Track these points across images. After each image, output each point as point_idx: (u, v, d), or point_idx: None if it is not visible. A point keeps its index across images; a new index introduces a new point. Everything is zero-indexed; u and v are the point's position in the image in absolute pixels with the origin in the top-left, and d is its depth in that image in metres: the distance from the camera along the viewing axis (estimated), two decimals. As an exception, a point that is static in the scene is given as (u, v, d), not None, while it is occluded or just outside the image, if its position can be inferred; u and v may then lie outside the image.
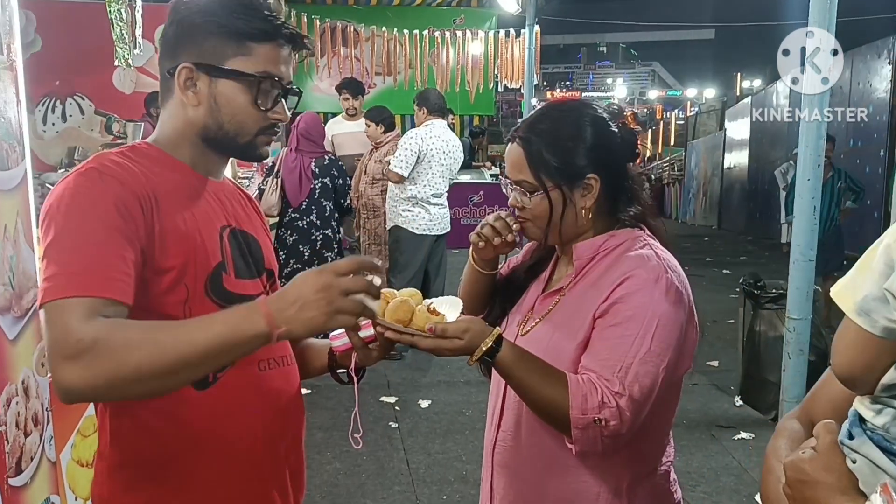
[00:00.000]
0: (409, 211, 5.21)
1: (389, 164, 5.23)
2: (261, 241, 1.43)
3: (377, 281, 1.18)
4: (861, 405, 0.97)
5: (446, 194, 5.42)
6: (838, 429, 0.97)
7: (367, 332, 1.36)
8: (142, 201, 1.21)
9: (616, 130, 1.44)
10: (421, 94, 5.49)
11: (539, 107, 1.52)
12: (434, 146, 5.19)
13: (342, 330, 1.40)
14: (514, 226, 1.47)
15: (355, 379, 1.46)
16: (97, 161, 1.23)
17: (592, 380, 1.30)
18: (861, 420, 0.96)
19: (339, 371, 1.52)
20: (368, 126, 5.74)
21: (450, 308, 1.37)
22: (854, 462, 0.93)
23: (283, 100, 1.34)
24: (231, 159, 1.44)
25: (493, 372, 1.52)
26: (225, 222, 1.35)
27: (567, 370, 1.34)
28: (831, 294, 0.97)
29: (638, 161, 1.57)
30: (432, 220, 5.25)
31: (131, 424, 1.28)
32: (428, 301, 1.39)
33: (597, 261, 1.43)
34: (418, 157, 5.15)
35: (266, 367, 1.36)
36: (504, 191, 1.50)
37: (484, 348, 1.29)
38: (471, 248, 1.56)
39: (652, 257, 1.38)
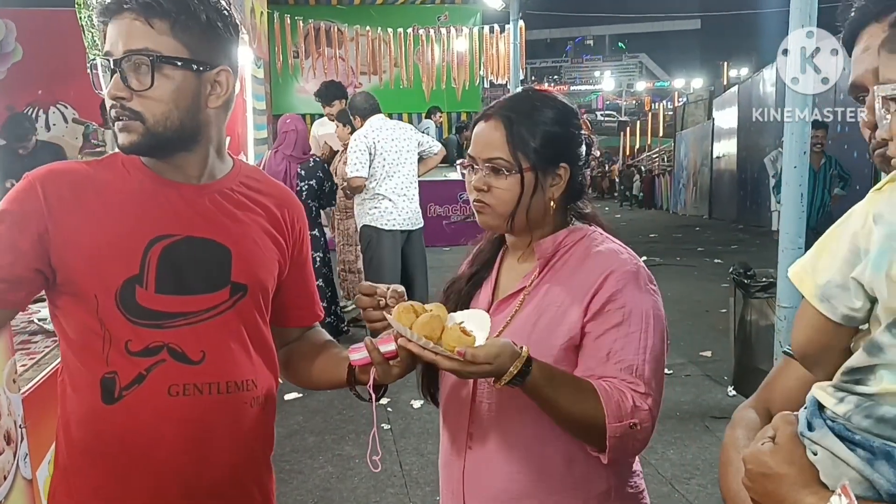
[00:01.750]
0: (375, 208, 5.12)
1: (346, 174, 5.12)
2: (235, 250, 1.35)
3: None
4: (821, 392, 0.95)
5: (415, 188, 5.30)
6: (797, 420, 0.96)
7: (387, 346, 1.28)
8: (42, 211, 1.25)
9: (583, 131, 1.44)
10: (350, 104, 5.41)
11: (519, 90, 1.48)
12: (380, 137, 5.12)
13: (361, 343, 1.32)
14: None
15: (373, 397, 1.35)
16: (43, 168, 1.29)
17: (617, 385, 1.28)
18: (820, 408, 0.94)
19: (357, 386, 1.41)
20: (338, 127, 5.71)
21: (478, 326, 1.29)
22: (815, 454, 0.91)
23: (116, 74, 1.24)
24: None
25: (447, 388, 1.48)
26: (165, 232, 1.30)
27: None
28: (789, 274, 0.96)
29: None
30: (400, 214, 5.15)
31: (62, 432, 1.34)
32: (455, 315, 1.32)
33: (559, 257, 1.40)
34: (370, 154, 5.08)
35: (180, 392, 1.29)
36: (461, 172, 1.44)
37: (514, 371, 1.22)
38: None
39: (621, 250, 1.38)
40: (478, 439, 1.40)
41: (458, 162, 1.47)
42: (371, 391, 1.34)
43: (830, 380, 0.94)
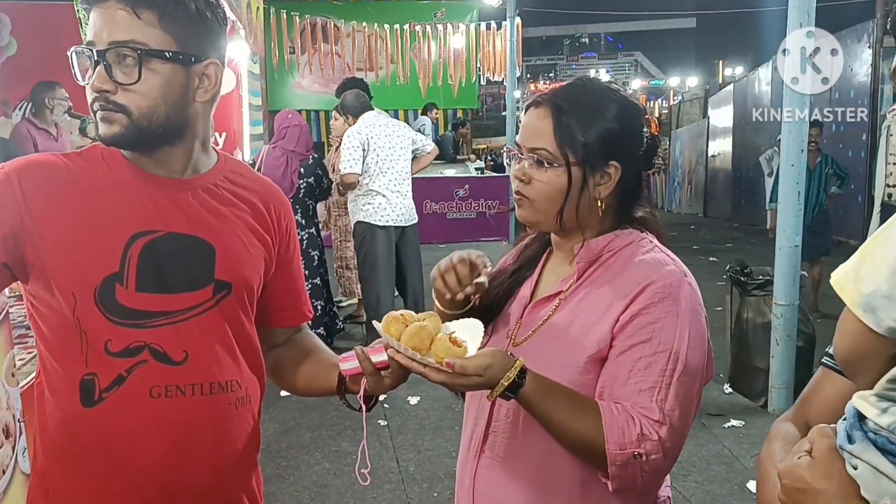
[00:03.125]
0: (369, 204, 5.10)
1: (340, 171, 5.09)
2: (219, 248, 1.30)
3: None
4: (863, 402, 0.89)
5: (409, 184, 5.28)
6: (834, 433, 0.91)
7: (379, 356, 1.22)
8: (19, 204, 1.20)
9: (646, 129, 1.32)
10: (341, 103, 5.39)
11: (574, 78, 1.37)
12: (373, 133, 5.11)
13: (352, 351, 1.26)
14: (469, 288, 1.30)
15: (364, 408, 1.29)
16: (19, 160, 1.24)
17: (628, 409, 1.18)
18: (861, 419, 0.89)
19: (347, 394, 1.34)
20: (336, 119, 5.69)
21: (470, 336, 1.23)
22: (855, 468, 0.87)
23: (100, 66, 1.19)
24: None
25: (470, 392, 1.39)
26: (146, 228, 1.24)
27: (573, 385, 1.22)
28: (831, 281, 0.90)
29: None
30: (394, 210, 5.13)
31: (39, 436, 1.29)
32: (449, 325, 1.26)
33: (601, 263, 1.30)
34: (364, 150, 5.06)
35: (162, 394, 1.24)
36: (506, 161, 1.36)
37: (506, 383, 1.15)
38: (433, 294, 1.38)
39: (668, 261, 1.27)
40: (492, 445, 1.34)
41: (505, 148, 1.42)
42: (362, 402, 1.29)
43: (872, 388, 0.89)
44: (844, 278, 0.89)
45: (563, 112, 1.27)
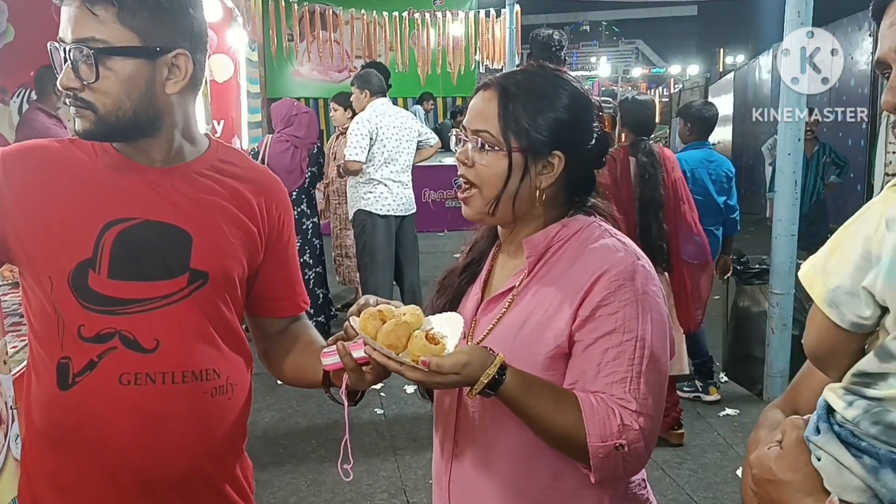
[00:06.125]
0: (370, 192, 5.07)
1: (345, 156, 5.05)
2: (197, 236, 1.28)
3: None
4: (832, 394, 0.90)
5: (410, 175, 5.25)
6: (805, 424, 0.92)
7: (359, 352, 1.20)
8: (2, 190, 1.23)
9: (597, 125, 1.29)
10: (361, 77, 5.29)
11: (528, 63, 1.33)
12: (382, 122, 5.06)
13: (333, 347, 1.25)
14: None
15: (346, 402, 1.28)
16: (14, 145, 1.28)
17: (605, 400, 1.16)
18: (830, 412, 0.90)
19: (332, 387, 1.34)
20: (335, 110, 5.67)
21: (451, 331, 1.20)
22: (819, 460, 0.87)
23: (67, 63, 1.19)
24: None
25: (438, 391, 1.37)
26: (122, 216, 1.25)
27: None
28: (799, 274, 0.91)
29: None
30: (395, 199, 5.10)
31: (24, 417, 1.32)
32: (431, 319, 1.23)
33: (551, 254, 1.27)
34: (371, 139, 5.04)
35: (132, 381, 1.24)
36: (453, 146, 1.34)
37: (485, 380, 1.12)
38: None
39: (618, 247, 1.24)
40: (463, 447, 1.32)
41: (453, 131, 1.41)
42: (344, 397, 1.28)
43: (842, 381, 0.90)
44: (813, 272, 0.89)
45: (510, 96, 1.25)
